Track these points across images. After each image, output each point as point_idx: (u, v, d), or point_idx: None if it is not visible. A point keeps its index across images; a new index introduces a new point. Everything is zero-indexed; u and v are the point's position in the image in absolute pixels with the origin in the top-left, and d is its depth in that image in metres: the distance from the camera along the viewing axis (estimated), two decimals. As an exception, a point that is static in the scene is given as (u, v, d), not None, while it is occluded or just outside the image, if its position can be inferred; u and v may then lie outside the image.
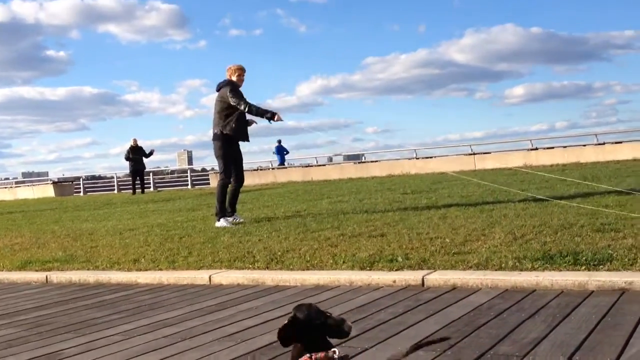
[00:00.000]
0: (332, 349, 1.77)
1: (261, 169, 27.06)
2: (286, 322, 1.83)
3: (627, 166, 14.08)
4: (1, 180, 42.36)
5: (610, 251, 3.99)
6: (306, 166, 26.44)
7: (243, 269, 4.78)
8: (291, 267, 4.64)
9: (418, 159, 23.22)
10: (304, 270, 4.52)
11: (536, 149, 21.53)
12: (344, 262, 4.55)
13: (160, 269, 5.10)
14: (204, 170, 36.05)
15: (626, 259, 3.75)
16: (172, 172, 40.73)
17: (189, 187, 28.36)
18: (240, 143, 7.98)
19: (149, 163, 23.38)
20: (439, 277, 3.92)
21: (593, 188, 8.07)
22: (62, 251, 6.54)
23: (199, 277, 4.69)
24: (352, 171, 23.61)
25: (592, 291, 3.40)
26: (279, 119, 7.70)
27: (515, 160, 19.69)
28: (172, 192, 23.35)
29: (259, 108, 7.69)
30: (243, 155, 8.04)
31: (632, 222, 5.06)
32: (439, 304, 3.41)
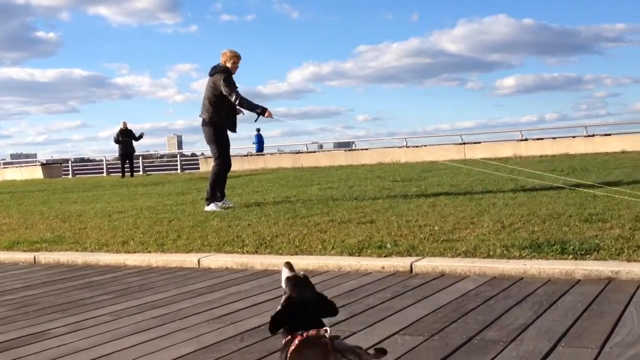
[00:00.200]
0: (324, 328, 1.78)
1: (251, 155, 27.02)
2: (280, 307, 1.83)
3: (616, 158, 14.18)
4: (-11, 161, 42.03)
5: (597, 241, 4.02)
6: (296, 153, 26.43)
7: (232, 252, 4.78)
8: (280, 252, 4.64)
9: (408, 147, 23.26)
10: (293, 255, 4.53)
11: (526, 139, 21.62)
12: (332, 247, 4.57)
13: (149, 252, 5.09)
14: (193, 155, 35.93)
15: (613, 249, 3.78)
16: (162, 156, 40.58)
17: (179, 171, 28.28)
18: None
19: (138, 147, 23.31)
20: (427, 264, 3.94)
21: (582, 178, 8.11)
22: (50, 232, 6.51)
23: (188, 260, 4.69)
24: (342, 159, 23.63)
25: (579, 280, 3.43)
26: (269, 116, 7.67)
27: (505, 151, 19.78)
28: (161, 176, 23.28)
29: (250, 102, 7.63)
30: (230, 141, 8.03)
31: (620, 213, 5.10)
32: (427, 290, 3.43)
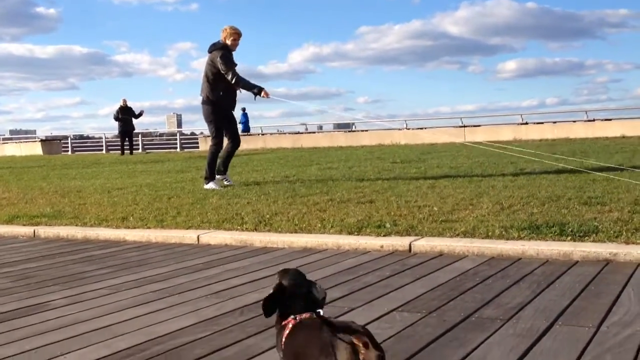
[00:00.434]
0: (317, 310, 1.78)
1: (249, 135, 26.99)
2: (271, 291, 1.83)
3: (616, 143, 14.17)
4: (-12, 136, 41.96)
5: (596, 223, 4.03)
6: (296, 133, 26.39)
7: (231, 230, 4.79)
8: (279, 229, 4.65)
9: (408, 129, 23.22)
10: (292, 232, 4.54)
11: (526, 123, 21.59)
12: (332, 226, 4.58)
13: (149, 228, 5.10)
14: (193, 134, 35.91)
15: (611, 232, 3.79)
16: (161, 134, 40.53)
17: (178, 149, 28.25)
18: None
19: (137, 125, 23.24)
20: (425, 244, 3.95)
21: (580, 162, 8.12)
22: (50, 207, 6.51)
23: (187, 236, 4.70)
24: (342, 140, 23.59)
25: (577, 261, 3.44)
26: (266, 95, 7.61)
27: (505, 134, 19.76)
28: (160, 154, 23.24)
29: (246, 82, 7.55)
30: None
31: (619, 197, 5.11)
32: (425, 269, 3.44)
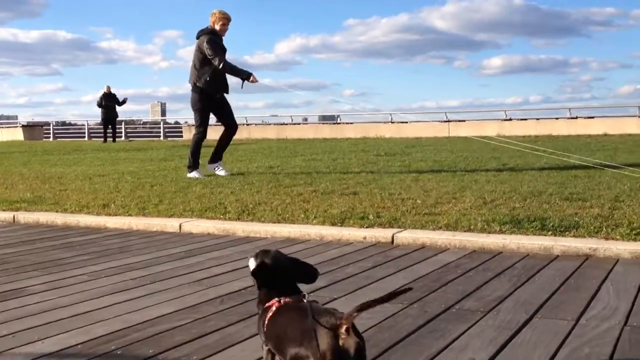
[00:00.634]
0: (302, 294, 1.79)
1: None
2: (254, 267, 1.83)
3: (598, 140, 14.30)
4: (-32, 121, 41.39)
5: (576, 219, 4.06)
6: (281, 124, 26.34)
7: (214, 219, 4.77)
8: (263, 219, 4.64)
9: (393, 123, 23.27)
10: (275, 223, 4.53)
11: (510, 119, 21.73)
12: (315, 217, 4.57)
13: (130, 215, 5.06)
14: (177, 123, 35.69)
15: (592, 227, 3.82)
16: (145, 123, 40.24)
17: (161, 138, 28.08)
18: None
19: (121, 113, 23.07)
20: (408, 236, 3.96)
21: (563, 161, 8.18)
22: (30, 192, 6.44)
23: (169, 224, 4.67)
24: (326, 132, 23.60)
25: (557, 256, 3.47)
26: (254, 81, 7.53)
27: (489, 130, 19.86)
28: (144, 142, 23.11)
29: (234, 67, 7.44)
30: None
31: (600, 193, 5.16)
32: (407, 261, 3.45)
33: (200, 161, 7.75)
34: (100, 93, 21.22)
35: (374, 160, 9.73)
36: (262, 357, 1.82)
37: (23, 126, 30.22)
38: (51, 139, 29.43)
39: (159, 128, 31.13)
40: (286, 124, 26.21)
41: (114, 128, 21.83)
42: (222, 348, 2.11)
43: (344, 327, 1.51)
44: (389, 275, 3.13)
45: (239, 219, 4.70)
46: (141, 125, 38.49)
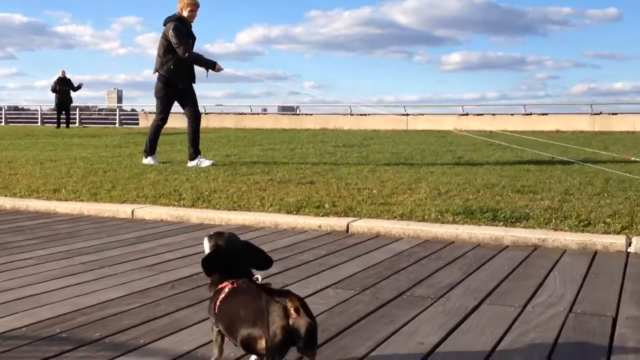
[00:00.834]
0: (255, 276, 1.78)
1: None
2: (209, 251, 1.82)
3: (550, 137, 14.60)
4: None
5: (527, 210, 4.14)
6: (240, 114, 26.17)
7: (168, 205, 4.71)
8: (218, 206, 4.60)
9: (352, 115, 23.36)
10: (230, 210, 4.50)
11: (467, 114, 22.03)
12: (271, 205, 4.55)
13: (81, 200, 4.96)
14: (133, 110, 35.12)
15: (541, 219, 3.91)
16: (100, 110, 39.45)
17: (117, 125, 27.60)
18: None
19: (76, 99, 22.59)
20: (363, 225, 3.98)
21: (517, 153, 8.34)
22: (-23, 177, 6.25)
23: (121, 210, 4.59)
24: (285, 122, 23.54)
25: (507, 246, 3.53)
26: (220, 69, 7.44)
27: (446, 124, 20.09)
28: (98, 128, 22.69)
29: (198, 57, 7.29)
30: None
31: (550, 186, 5.27)
32: (361, 249, 3.47)
33: (158, 148, 7.64)
34: (55, 78, 20.72)
35: (332, 151, 9.75)
36: (211, 341, 1.81)
37: (-27, 110, 29.31)
38: (3, 124, 28.65)
39: (115, 115, 30.59)
40: (245, 114, 26.05)
41: (67, 113, 21.35)
42: (171, 332, 2.08)
43: (295, 307, 1.51)
44: (342, 263, 3.14)
45: (193, 205, 4.65)
46: (97, 112, 37.74)
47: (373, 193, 5.01)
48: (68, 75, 20.79)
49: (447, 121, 20.73)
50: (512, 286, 2.69)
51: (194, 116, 7.52)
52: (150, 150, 7.47)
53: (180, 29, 7.18)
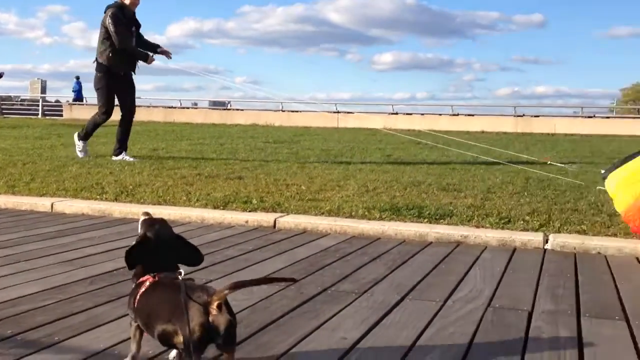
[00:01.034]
0: (178, 271, 1.74)
1: (70, 104, 26.51)
2: (135, 242, 1.76)
3: (476, 137, 15.01)
4: None
5: (451, 208, 4.24)
6: (169, 107, 25.72)
7: (90, 199, 4.56)
8: (142, 201, 4.50)
9: (284, 111, 23.34)
10: (155, 205, 4.40)
11: (396, 113, 22.39)
12: (197, 200, 4.49)
13: (-2, 193, 4.75)
14: (57, 101, 33.96)
15: (464, 216, 4.01)
16: (23, 100, 37.93)
17: (40, 116, 26.62)
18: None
19: (-5, 86, 21.60)
20: (290, 220, 3.97)
21: (444, 152, 8.53)
22: None
23: (40, 203, 4.42)
24: (216, 117, 23.30)
25: (431, 242, 3.60)
26: (151, 62, 7.23)
27: (376, 123, 20.35)
28: (20, 119, 21.80)
29: (134, 48, 7.08)
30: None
31: (474, 185, 5.41)
32: (288, 245, 3.46)
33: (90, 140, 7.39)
34: (-29, 64, 19.76)
35: (262, 147, 9.71)
36: (129, 338, 1.76)
37: None
38: None
39: (38, 106, 29.47)
40: (174, 108, 25.61)
41: (-14, 103, 20.41)
42: (87, 329, 2.01)
43: (216, 303, 1.48)
44: (268, 259, 3.12)
45: (116, 200, 4.53)
46: (18, 102, 36.25)
47: (302, 189, 5.01)
48: (-13, 63, 19.88)
49: (377, 120, 21.00)
50: (434, 281, 2.74)
51: (129, 108, 7.23)
52: (85, 136, 7.17)
53: (118, 17, 6.92)
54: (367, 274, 2.85)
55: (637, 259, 3.31)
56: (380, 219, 4.01)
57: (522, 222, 3.87)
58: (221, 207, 4.30)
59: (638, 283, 2.83)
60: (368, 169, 6.65)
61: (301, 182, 5.39)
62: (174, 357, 1.75)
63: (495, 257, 3.26)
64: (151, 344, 1.72)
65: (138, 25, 7.18)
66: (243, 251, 3.27)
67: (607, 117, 23.43)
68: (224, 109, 25.73)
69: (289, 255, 3.20)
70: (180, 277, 1.69)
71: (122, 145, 7.18)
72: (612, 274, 2.97)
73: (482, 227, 3.78)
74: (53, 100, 35.76)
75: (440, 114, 22.30)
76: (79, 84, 28.37)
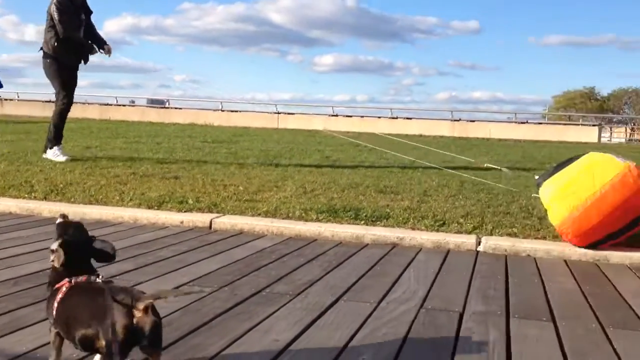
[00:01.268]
0: (96, 273, 1.69)
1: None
2: (56, 245, 1.70)
3: (413, 140, 15.23)
4: None
5: (388, 210, 4.28)
6: (105, 105, 25.13)
7: (17, 197, 4.40)
8: (72, 200, 4.36)
9: (223, 111, 23.14)
10: (86, 204, 4.28)
11: (336, 115, 22.53)
12: (131, 199, 4.39)
13: None
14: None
15: (400, 218, 4.05)
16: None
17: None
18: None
19: None
20: (226, 221, 3.93)
21: (382, 155, 8.62)
22: None
23: (-36, 201, 4.23)
24: (153, 116, 22.90)
25: (368, 244, 3.63)
26: (95, 52, 6.98)
27: (316, 124, 20.43)
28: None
29: (80, 38, 6.81)
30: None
31: (411, 188, 5.48)
32: (223, 246, 3.42)
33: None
34: None
35: (200, 147, 9.58)
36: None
37: None
38: None
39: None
40: (110, 105, 25.04)
41: None
42: (10, 331, 1.93)
43: (140, 305, 1.44)
44: (202, 260, 3.07)
45: (45, 198, 4.38)
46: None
47: (239, 190, 4.96)
48: None
49: (317, 121, 21.09)
50: (369, 283, 2.76)
51: (68, 102, 6.89)
52: (56, 140, 6.74)
53: (65, 5, 6.62)
54: (303, 275, 2.84)
55: (565, 261, 3.42)
56: (318, 220, 4.01)
57: (456, 224, 3.94)
58: (155, 207, 4.22)
59: (565, 285, 2.92)
60: (306, 170, 6.65)
61: (239, 183, 5.34)
62: (98, 362, 1.69)
63: (430, 259, 3.30)
64: (74, 348, 1.66)
65: (89, 12, 6.91)
66: (177, 252, 3.21)
67: (540, 124, 24.21)
68: (162, 107, 25.31)
69: (225, 257, 3.16)
70: (99, 280, 1.64)
71: (55, 138, 6.89)
72: (540, 275, 3.05)
73: (418, 229, 3.84)
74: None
75: (379, 117, 22.57)
76: None
